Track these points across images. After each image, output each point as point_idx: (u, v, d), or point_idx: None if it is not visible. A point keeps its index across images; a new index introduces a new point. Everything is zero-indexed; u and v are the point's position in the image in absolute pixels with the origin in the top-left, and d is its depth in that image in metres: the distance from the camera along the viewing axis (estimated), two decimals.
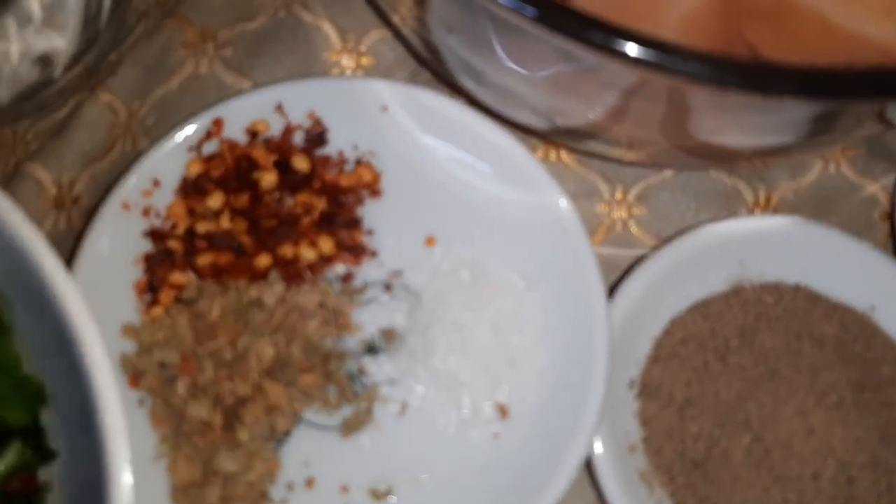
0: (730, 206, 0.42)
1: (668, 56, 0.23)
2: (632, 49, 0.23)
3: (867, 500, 0.35)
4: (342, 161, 0.40)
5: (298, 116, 0.39)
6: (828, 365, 0.37)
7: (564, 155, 0.42)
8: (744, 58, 0.23)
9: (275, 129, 0.39)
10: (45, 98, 0.39)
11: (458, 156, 0.39)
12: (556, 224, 0.38)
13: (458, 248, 0.39)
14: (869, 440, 0.36)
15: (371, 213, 0.39)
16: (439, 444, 0.37)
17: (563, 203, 0.38)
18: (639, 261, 0.39)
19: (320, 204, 0.39)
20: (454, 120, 0.39)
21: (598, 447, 0.36)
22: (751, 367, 0.37)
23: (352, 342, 0.38)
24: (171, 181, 0.38)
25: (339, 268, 0.38)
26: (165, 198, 0.38)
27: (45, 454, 0.35)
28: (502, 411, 0.37)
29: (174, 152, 0.38)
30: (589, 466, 0.37)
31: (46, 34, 0.36)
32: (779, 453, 0.35)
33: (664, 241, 0.41)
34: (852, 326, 0.38)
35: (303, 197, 0.39)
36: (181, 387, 0.36)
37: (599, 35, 0.23)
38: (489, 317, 0.37)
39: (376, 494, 0.36)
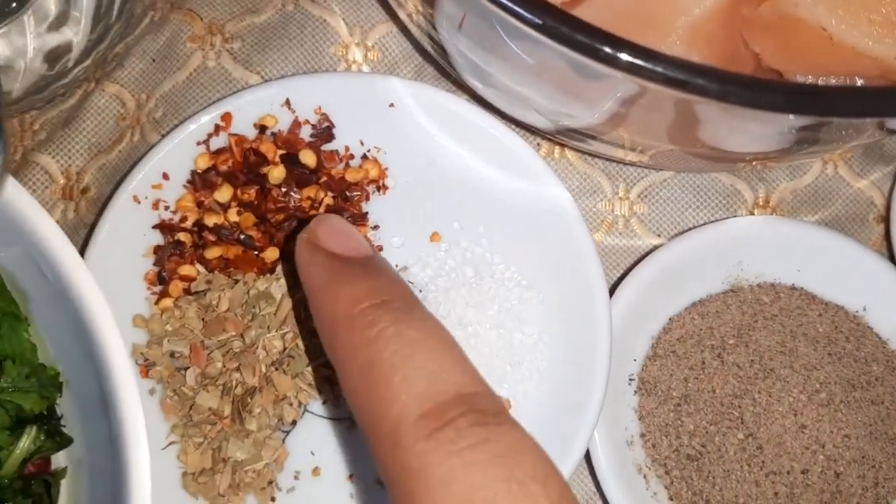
0: (729, 206, 0.42)
1: (666, 69, 0.24)
2: (630, 60, 0.24)
3: (854, 495, 0.36)
4: (349, 156, 0.40)
5: (306, 111, 0.40)
6: (820, 363, 0.38)
7: (569, 153, 0.43)
8: (738, 72, 0.23)
9: (283, 123, 0.40)
10: (54, 90, 0.39)
11: (464, 152, 0.40)
12: (560, 222, 0.38)
13: (463, 244, 0.39)
14: (857, 437, 0.37)
15: (377, 208, 0.40)
16: None
17: (567, 201, 0.38)
18: (640, 259, 0.40)
19: (327, 198, 0.39)
20: (460, 117, 0.39)
21: (597, 440, 0.37)
22: (746, 366, 0.38)
23: None
24: (180, 174, 0.39)
25: None
26: (174, 191, 0.39)
27: (60, 440, 0.36)
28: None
29: (183, 146, 0.39)
30: (588, 458, 0.38)
31: (60, 29, 0.36)
32: (770, 449, 0.36)
33: (665, 239, 0.42)
34: (844, 326, 0.39)
35: (310, 191, 0.39)
36: (191, 377, 0.37)
37: (601, 46, 0.24)
38: (493, 314, 0.37)
39: (382, 484, 0.37)
